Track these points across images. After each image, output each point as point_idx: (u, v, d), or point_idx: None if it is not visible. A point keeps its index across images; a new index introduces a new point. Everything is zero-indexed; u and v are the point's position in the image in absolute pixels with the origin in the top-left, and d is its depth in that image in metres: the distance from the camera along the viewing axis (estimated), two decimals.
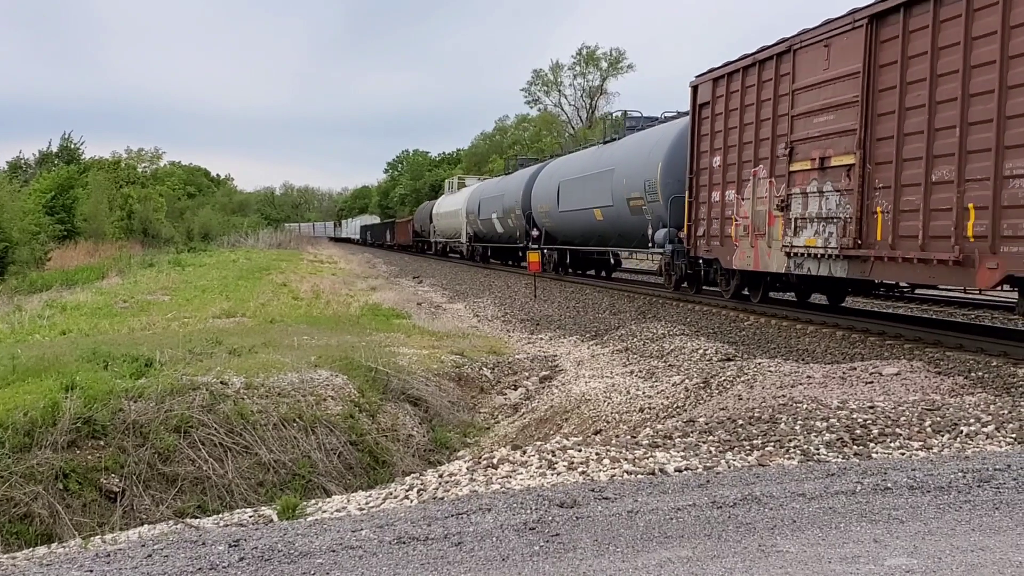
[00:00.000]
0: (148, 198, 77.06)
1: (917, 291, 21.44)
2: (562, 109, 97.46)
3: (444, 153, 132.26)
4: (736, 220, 19.31)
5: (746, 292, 20.53)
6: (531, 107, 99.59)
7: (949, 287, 15.86)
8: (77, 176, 68.38)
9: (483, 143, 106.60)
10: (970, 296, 18.70)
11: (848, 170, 15.33)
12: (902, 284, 17.97)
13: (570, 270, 35.55)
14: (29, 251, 46.08)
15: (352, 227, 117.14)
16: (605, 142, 31.82)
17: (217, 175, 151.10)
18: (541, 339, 20.00)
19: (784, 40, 17.48)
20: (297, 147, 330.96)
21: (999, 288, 13.18)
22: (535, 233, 36.98)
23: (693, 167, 21.40)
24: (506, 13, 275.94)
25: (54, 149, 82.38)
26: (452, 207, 55.93)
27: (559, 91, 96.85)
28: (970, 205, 12.58)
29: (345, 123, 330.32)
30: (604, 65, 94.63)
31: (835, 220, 15.69)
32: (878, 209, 14.61)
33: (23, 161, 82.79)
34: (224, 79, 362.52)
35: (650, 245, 24.99)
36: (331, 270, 49.16)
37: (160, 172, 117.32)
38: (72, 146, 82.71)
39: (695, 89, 21.37)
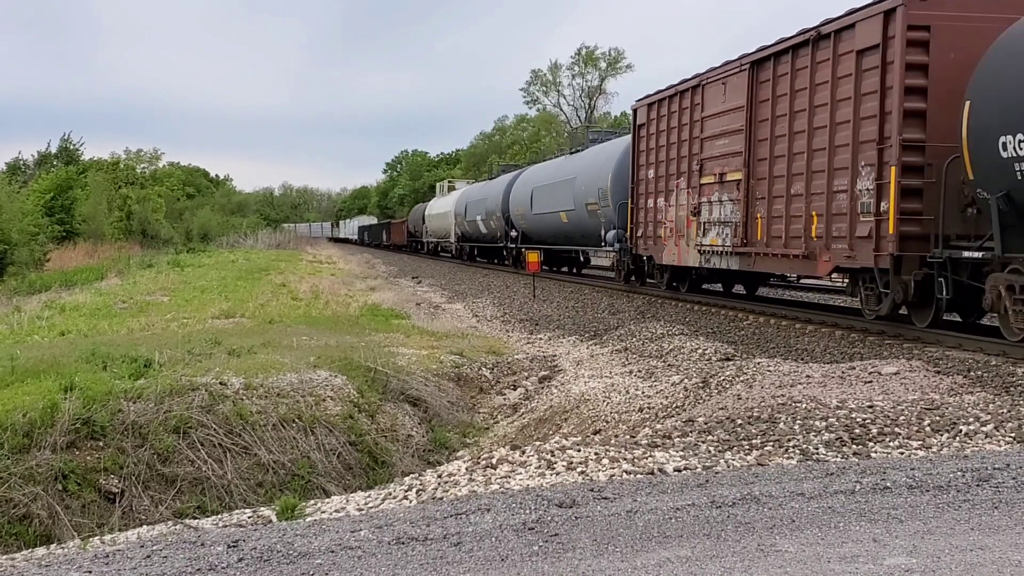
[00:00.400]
0: (147, 199, 76.99)
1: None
2: (561, 109, 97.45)
3: (443, 153, 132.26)
4: (665, 223, 23.12)
5: (675, 284, 24.07)
6: (530, 107, 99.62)
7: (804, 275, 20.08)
8: (76, 177, 68.31)
9: (482, 143, 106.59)
10: None
11: (738, 184, 19.12)
12: (789, 275, 21.86)
13: (544, 267, 37.87)
14: (28, 252, 46.07)
15: (350, 228, 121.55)
16: (571, 152, 36.57)
17: (216, 176, 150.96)
18: (540, 339, 20.01)
19: (697, 75, 21.31)
20: (296, 147, 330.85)
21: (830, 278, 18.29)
22: (513, 234, 40.81)
23: (634, 178, 25.40)
24: (506, 13, 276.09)
25: (53, 150, 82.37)
26: (442, 209, 59.10)
27: (558, 91, 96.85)
28: (814, 213, 16.27)
29: (344, 123, 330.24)
30: (603, 65, 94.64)
31: (729, 224, 19.52)
32: (758, 215, 18.33)
33: (22, 162, 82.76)
34: (223, 79, 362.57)
35: (603, 244, 28.86)
36: (330, 270, 49.17)
37: (159, 173, 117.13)
38: (71, 147, 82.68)
39: (635, 112, 25.68)
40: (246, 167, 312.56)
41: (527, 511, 5.81)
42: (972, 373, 11.45)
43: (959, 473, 6.38)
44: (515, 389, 15.53)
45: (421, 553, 5.15)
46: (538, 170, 39.97)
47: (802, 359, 13.89)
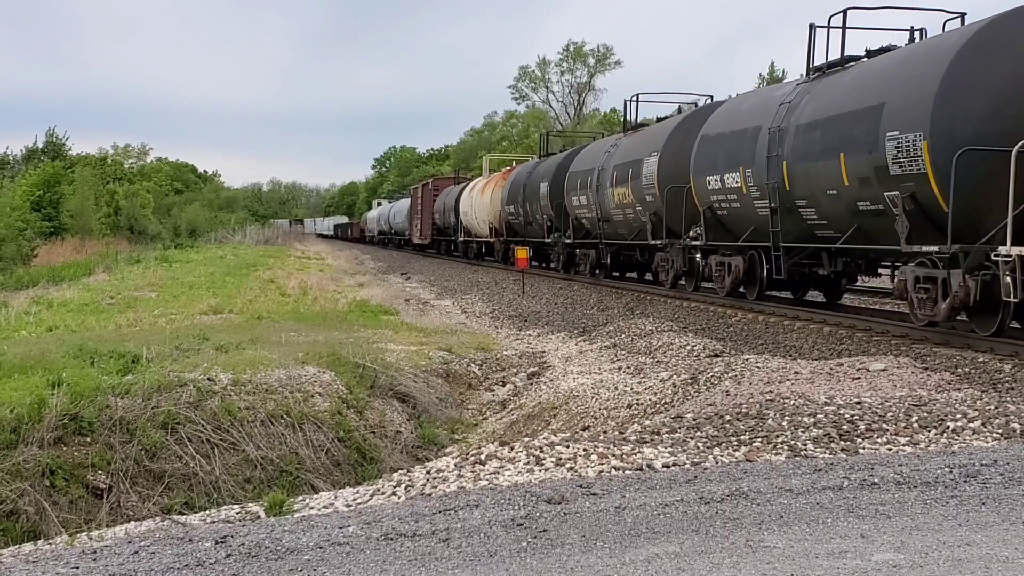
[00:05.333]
0: (135, 194, 76.67)
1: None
2: (550, 105, 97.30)
3: (432, 149, 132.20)
4: (414, 228, 64.08)
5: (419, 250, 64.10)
6: (519, 103, 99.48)
7: None
8: (64, 172, 67.98)
9: (471, 139, 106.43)
10: None
11: (419, 217, 62.31)
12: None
13: (402, 247, 76.55)
14: (15, 247, 45.82)
15: (325, 225, 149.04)
16: (406, 199, 75.95)
17: (204, 171, 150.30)
18: (529, 335, 20.01)
19: (415, 185, 69.40)
20: (285, 143, 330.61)
21: None
22: (393, 231, 78.83)
23: (411, 211, 66.02)
24: (494, 9, 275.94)
25: (40, 145, 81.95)
26: (374, 215, 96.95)
27: (547, 87, 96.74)
28: (426, 227, 60.15)
29: (333, 119, 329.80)
30: (592, 61, 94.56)
31: (419, 228, 61.95)
32: (419, 225, 62.43)
33: (11, 157, 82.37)
34: (211, 75, 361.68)
35: (407, 235, 68.61)
36: (318, 266, 49.10)
37: (147, 168, 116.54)
38: (58, 142, 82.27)
39: (411, 190, 70.27)
40: (235, 163, 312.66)
41: (516, 507, 5.81)
42: (959, 370, 11.50)
43: (947, 469, 6.40)
44: (504, 385, 15.53)
45: (410, 549, 5.14)
46: (398, 203, 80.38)
47: (790, 355, 13.92)
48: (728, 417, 8.58)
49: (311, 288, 30.53)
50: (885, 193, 14.07)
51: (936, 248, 13.25)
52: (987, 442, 7.77)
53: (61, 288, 29.62)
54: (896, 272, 15.45)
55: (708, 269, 20.55)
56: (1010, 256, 11.72)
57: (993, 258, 12.26)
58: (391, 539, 5.31)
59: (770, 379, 10.46)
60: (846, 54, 16.74)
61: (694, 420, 8.56)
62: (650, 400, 11.83)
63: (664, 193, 21.83)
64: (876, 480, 6.20)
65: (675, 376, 12.48)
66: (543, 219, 33.53)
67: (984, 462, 6.56)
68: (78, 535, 8.37)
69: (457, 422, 13.85)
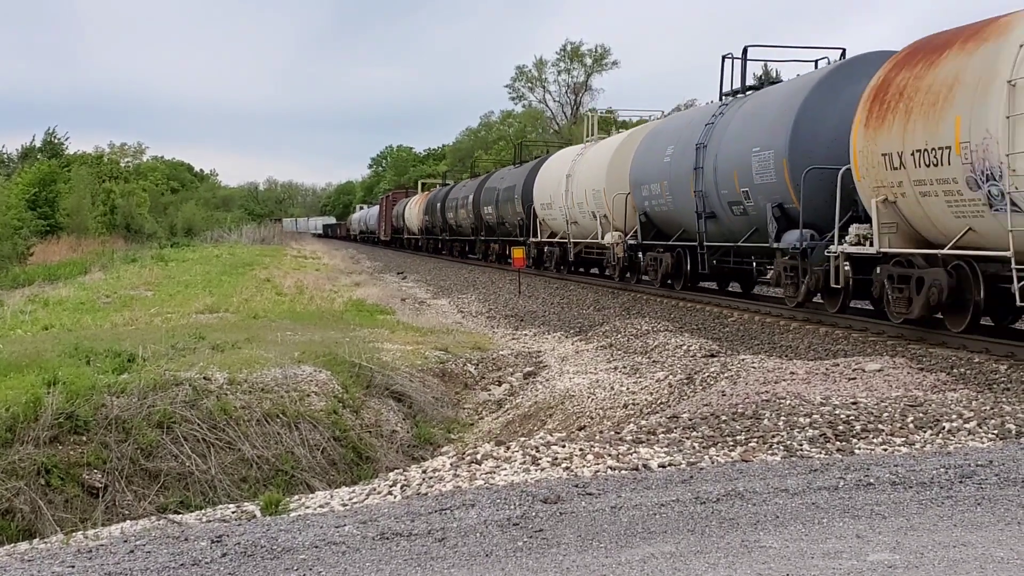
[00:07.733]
0: (131, 193, 76.53)
1: None
2: (547, 105, 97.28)
3: (429, 149, 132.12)
4: (381, 227, 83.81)
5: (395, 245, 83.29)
6: (515, 103, 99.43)
7: None
8: (60, 171, 67.82)
9: (468, 139, 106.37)
10: None
11: (383, 219, 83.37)
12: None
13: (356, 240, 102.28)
14: (11, 246, 45.74)
15: (313, 224, 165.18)
16: (371, 206, 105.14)
17: (200, 170, 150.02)
18: (525, 335, 20.00)
19: (383, 194, 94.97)
20: (282, 142, 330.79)
21: None
22: (369, 231, 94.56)
23: (379, 215, 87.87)
24: (492, 9, 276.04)
25: (37, 144, 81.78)
26: (357, 217, 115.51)
27: (543, 87, 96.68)
28: (388, 226, 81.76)
29: (331, 118, 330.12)
30: (588, 61, 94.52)
31: (382, 228, 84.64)
32: (386, 225, 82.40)
33: (7, 156, 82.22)
34: (208, 73, 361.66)
35: (378, 235, 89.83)
36: (315, 266, 49.02)
37: (143, 167, 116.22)
38: (56, 141, 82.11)
39: (382, 199, 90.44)
40: (231, 161, 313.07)
41: (512, 507, 5.81)
42: (955, 370, 11.51)
43: (942, 470, 6.41)
44: (500, 385, 15.52)
45: (406, 548, 5.14)
46: (372, 209, 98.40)
47: (786, 356, 13.93)
48: (724, 417, 8.58)
49: (307, 287, 30.49)
50: (519, 217, 38.77)
51: (526, 238, 37.80)
52: (983, 443, 7.77)
53: (57, 287, 29.56)
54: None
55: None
56: (531, 242, 36.22)
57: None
58: (387, 538, 5.31)
59: (766, 379, 10.46)
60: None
61: (690, 420, 8.56)
62: (646, 400, 11.83)
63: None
64: (872, 480, 6.21)
65: (671, 376, 12.48)
66: (440, 224, 57.93)
67: (980, 463, 6.57)
68: (74, 534, 8.36)
69: (453, 422, 13.84)
